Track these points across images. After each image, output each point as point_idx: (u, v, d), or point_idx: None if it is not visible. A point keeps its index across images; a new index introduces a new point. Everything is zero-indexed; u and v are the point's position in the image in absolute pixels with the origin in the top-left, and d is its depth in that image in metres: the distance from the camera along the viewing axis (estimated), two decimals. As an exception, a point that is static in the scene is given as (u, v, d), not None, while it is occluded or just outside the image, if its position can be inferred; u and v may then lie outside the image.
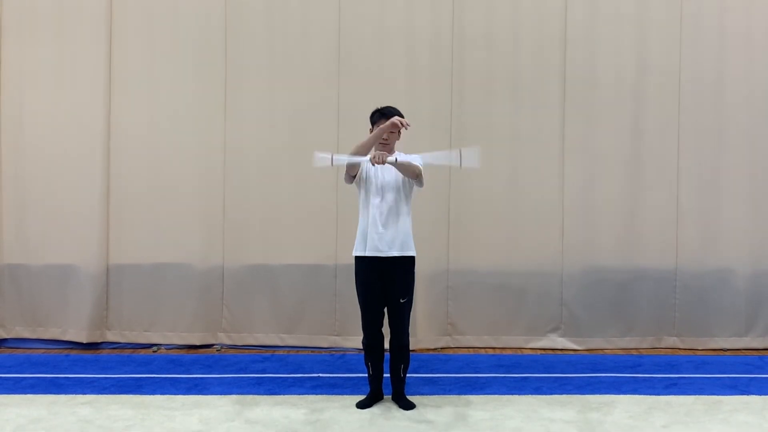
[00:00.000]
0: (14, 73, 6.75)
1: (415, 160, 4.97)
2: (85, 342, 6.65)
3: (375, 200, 4.97)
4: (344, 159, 4.91)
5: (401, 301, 5.00)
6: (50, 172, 6.73)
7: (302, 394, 5.30)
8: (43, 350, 6.63)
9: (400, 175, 4.99)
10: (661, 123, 6.75)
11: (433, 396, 5.27)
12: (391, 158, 4.79)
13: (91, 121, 6.71)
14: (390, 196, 4.96)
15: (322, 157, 4.79)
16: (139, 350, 6.65)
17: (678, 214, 6.76)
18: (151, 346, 6.70)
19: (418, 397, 5.19)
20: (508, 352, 6.63)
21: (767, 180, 6.78)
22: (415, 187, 5.06)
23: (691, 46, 6.74)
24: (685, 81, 6.74)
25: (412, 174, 4.92)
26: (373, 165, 4.85)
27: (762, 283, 6.78)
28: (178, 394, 5.28)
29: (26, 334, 6.76)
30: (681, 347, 6.74)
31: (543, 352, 6.65)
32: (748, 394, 5.32)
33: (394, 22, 6.68)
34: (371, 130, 5.04)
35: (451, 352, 6.65)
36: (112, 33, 6.72)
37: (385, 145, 5.00)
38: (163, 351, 6.62)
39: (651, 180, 6.76)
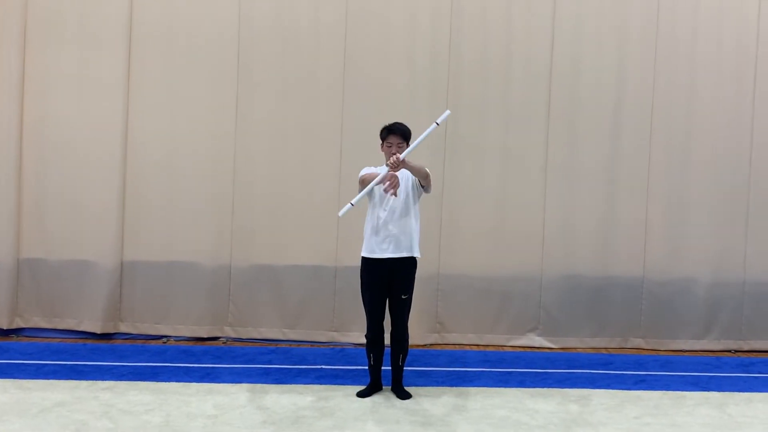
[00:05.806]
0: (38, 78, 6.86)
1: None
2: (99, 332, 6.85)
3: (384, 203, 5.21)
4: (359, 196, 5.14)
5: (403, 297, 5.27)
6: (70, 173, 6.88)
7: (307, 383, 5.57)
8: (59, 339, 6.80)
9: (408, 179, 5.21)
10: (634, 146, 7.05)
11: (428, 387, 5.56)
12: (404, 156, 4.99)
13: (110, 126, 6.85)
14: (398, 200, 5.18)
15: (346, 209, 5.04)
16: (150, 341, 6.85)
17: (647, 227, 7.08)
18: (161, 337, 6.92)
19: (413, 388, 5.49)
20: (491, 349, 6.93)
21: (729, 198, 7.10)
22: (423, 193, 5.31)
23: (664, 77, 7.04)
24: (657, 108, 7.03)
25: (422, 175, 5.12)
26: (391, 170, 5.01)
27: (720, 291, 7.09)
28: (192, 382, 5.51)
29: (43, 324, 6.93)
30: (645, 347, 7.07)
31: (522, 349, 6.97)
32: (708, 390, 5.70)
33: (397, 47, 6.94)
34: (382, 146, 5.34)
35: (438, 348, 6.92)
36: (132, 43, 6.86)
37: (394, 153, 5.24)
38: (172, 342, 6.84)
39: (623, 197, 7.07)
